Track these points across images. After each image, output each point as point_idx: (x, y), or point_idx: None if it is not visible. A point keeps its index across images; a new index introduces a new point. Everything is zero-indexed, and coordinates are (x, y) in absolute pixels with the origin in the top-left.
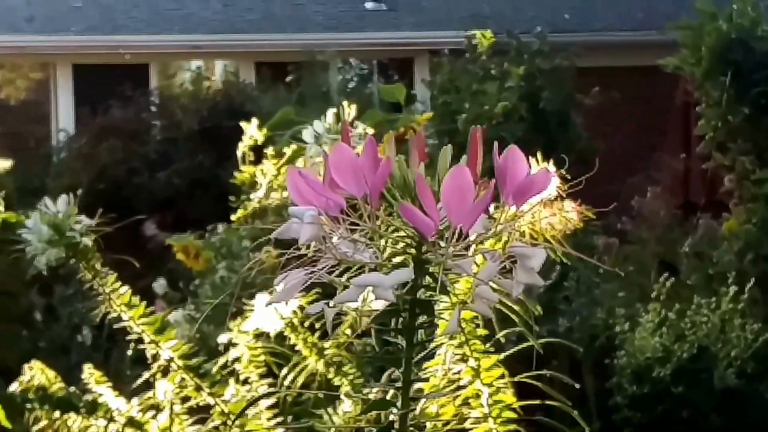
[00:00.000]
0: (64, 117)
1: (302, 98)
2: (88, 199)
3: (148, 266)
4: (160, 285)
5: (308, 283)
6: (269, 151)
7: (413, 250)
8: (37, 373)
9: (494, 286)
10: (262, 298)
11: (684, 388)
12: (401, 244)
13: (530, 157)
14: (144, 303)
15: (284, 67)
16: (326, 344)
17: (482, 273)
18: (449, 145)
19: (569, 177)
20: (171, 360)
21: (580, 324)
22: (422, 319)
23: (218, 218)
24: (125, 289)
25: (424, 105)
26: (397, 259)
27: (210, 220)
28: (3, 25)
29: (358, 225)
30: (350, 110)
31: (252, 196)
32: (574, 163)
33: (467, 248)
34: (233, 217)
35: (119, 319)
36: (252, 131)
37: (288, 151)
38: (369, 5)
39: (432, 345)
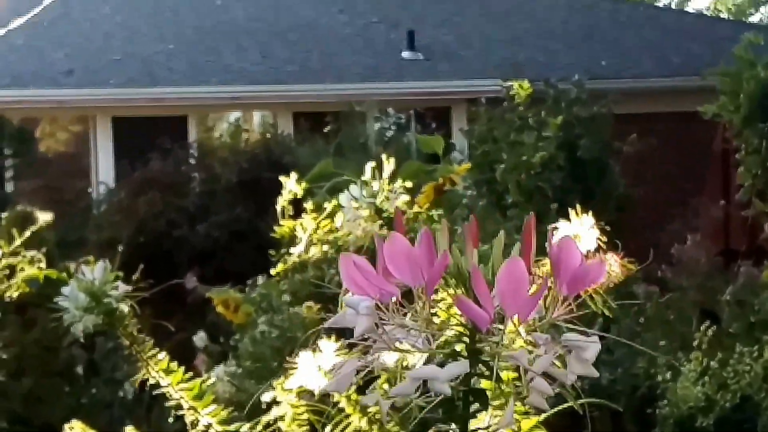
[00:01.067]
0: (103, 169)
1: (340, 149)
2: (128, 252)
3: (188, 318)
4: (200, 338)
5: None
6: (309, 205)
7: (467, 339)
8: None
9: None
10: (305, 355)
11: None
12: (454, 332)
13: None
14: (182, 369)
15: (322, 117)
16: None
17: (537, 365)
18: (502, 231)
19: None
20: (210, 426)
21: (622, 374)
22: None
23: (258, 270)
24: (163, 355)
25: (462, 154)
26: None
27: (249, 272)
28: (43, 79)
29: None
30: (389, 164)
31: (292, 250)
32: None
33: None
34: (273, 272)
35: (157, 385)
36: (291, 185)
37: (328, 206)
38: (406, 55)
39: None
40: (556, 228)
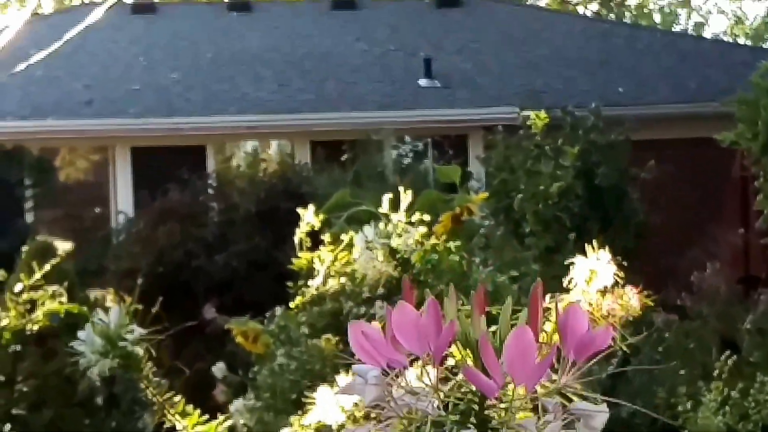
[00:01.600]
0: (122, 198)
1: (358, 177)
2: (148, 282)
3: (207, 348)
4: (219, 369)
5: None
6: (326, 237)
7: (476, 406)
8: None
9: None
10: (323, 390)
11: None
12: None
13: (587, 237)
14: (197, 411)
15: (339, 145)
16: None
17: None
18: (509, 298)
19: (628, 251)
20: None
21: (643, 405)
22: None
23: (276, 300)
24: (179, 398)
25: (480, 182)
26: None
27: (268, 302)
28: (62, 109)
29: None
30: (406, 196)
31: (309, 282)
32: (631, 237)
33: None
34: (291, 305)
35: (174, 428)
36: (308, 217)
37: (345, 237)
38: (423, 82)
39: None
40: (572, 263)
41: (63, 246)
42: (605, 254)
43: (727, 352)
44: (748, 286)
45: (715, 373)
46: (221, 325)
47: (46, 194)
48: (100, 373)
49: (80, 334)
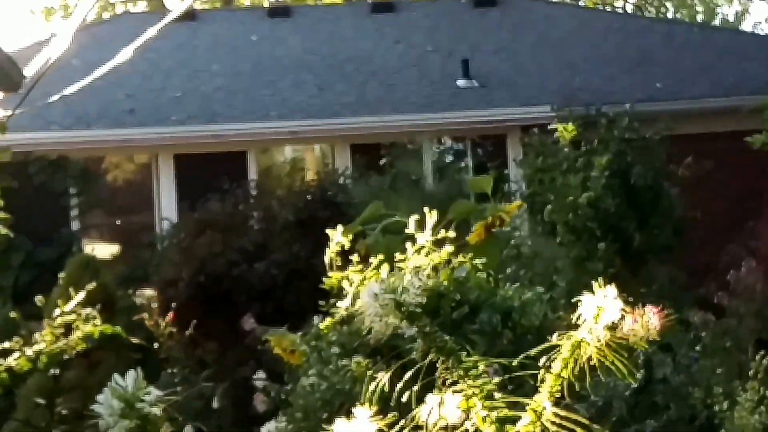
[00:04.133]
0: (166, 205)
1: (395, 183)
2: (190, 291)
3: (249, 354)
4: (259, 379)
5: None
6: (354, 258)
7: None
8: None
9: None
10: (341, 423)
11: None
12: None
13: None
14: None
15: (379, 149)
16: None
17: None
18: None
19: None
20: None
21: (680, 403)
22: None
23: (316, 308)
24: None
25: (518, 184)
26: None
27: (308, 310)
28: (106, 119)
29: None
30: (431, 217)
31: (339, 304)
32: (670, 235)
33: None
34: (321, 326)
35: None
36: (338, 237)
37: (373, 260)
38: (461, 83)
39: None
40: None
41: (108, 252)
42: (612, 290)
43: (762, 353)
44: None
45: (751, 372)
46: (260, 335)
47: (91, 203)
48: None
49: (99, 398)
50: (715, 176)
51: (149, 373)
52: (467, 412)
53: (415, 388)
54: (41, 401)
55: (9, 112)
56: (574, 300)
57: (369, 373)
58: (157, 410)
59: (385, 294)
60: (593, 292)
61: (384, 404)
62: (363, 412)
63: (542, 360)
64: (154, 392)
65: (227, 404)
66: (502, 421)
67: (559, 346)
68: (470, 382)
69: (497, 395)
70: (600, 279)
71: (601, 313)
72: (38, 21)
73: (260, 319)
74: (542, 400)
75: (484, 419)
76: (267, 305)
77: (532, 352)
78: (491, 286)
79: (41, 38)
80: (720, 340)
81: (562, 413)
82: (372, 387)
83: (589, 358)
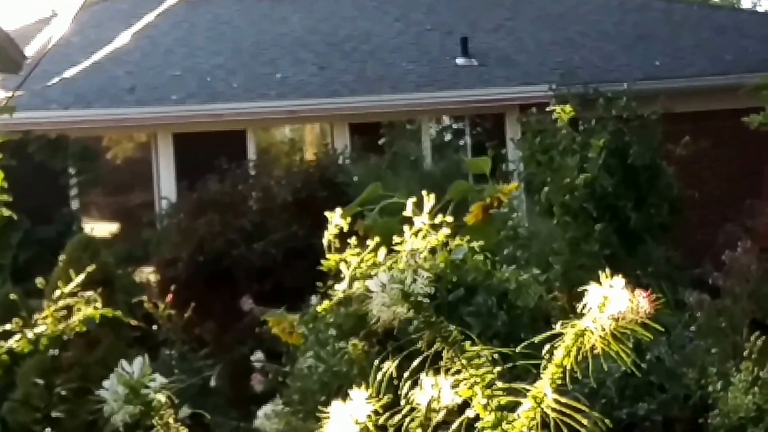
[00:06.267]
0: (165, 185)
1: (394, 163)
2: (190, 271)
3: (248, 333)
4: (257, 358)
5: None
6: (352, 241)
7: None
8: None
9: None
10: (337, 405)
11: None
12: None
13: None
14: None
15: (378, 128)
16: None
17: None
18: None
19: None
20: None
21: (674, 383)
22: None
23: (314, 286)
24: None
25: (516, 164)
26: None
27: (307, 288)
28: (105, 97)
29: None
30: (429, 200)
31: (336, 286)
32: (666, 213)
33: None
34: (318, 308)
35: None
36: (336, 220)
37: (371, 244)
38: (460, 61)
39: None
40: (575, 283)
41: (107, 230)
42: (619, 280)
43: (757, 333)
44: None
45: (745, 353)
46: (258, 315)
47: (91, 181)
48: (123, 419)
49: (104, 383)
50: (712, 155)
51: (148, 352)
52: (469, 399)
53: (423, 376)
54: (40, 381)
55: (10, 94)
56: (569, 281)
57: (367, 360)
58: (161, 396)
59: (392, 284)
60: (589, 274)
61: (380, 387)
62: (359, 394)
63: (543, 347)
64: (159, 379)
65: (225, 383)
66: (501, 409)
67: (561, 334)
68: (472, 371)
69: (498, 384)
70: (596, 260)
71: (607, 303)
72: None
73: (259, 298)
74: (543, 387)
75: (484, 407)
76: (266, 284)
77: (536, 339)
78: (488, 268)
79: (42, 16)
80: (715, 320)
81: (563, 400)
82: (379, 376)
83: (593, 347)
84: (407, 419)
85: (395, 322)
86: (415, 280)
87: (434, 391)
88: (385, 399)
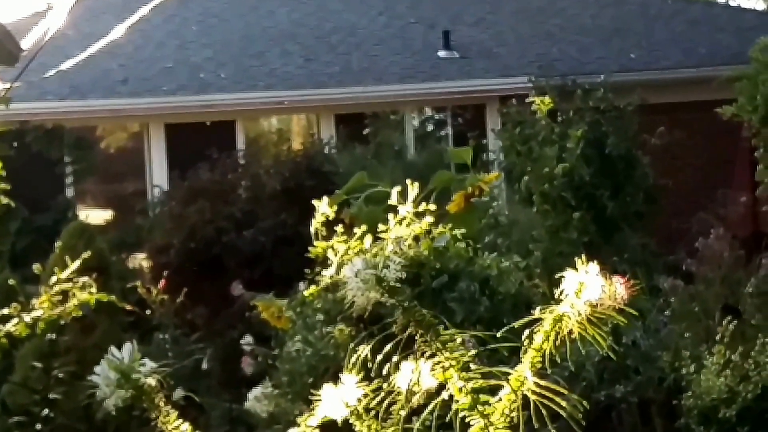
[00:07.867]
0: (157, 173)
1: (379, 152)
2: (181, 258)
3: (239, 318)
4: (247, 342)
5: None
6: (339, 228)
7: None
8: None
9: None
10: (328, 388)
11: (750, 427)
12: None
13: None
14: None
15: (363, 119)
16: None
17: None
18: None
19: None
20: None
21: (649, 366)
22: None
23: (302, 273)
24: (186, 427)
25: (496, 154)
26: None
27: (295, 275)
28: (99, 88)
29: None
30: (413, 189)
31: (324, 272)
32: (641, 202)
33: None
34: (306, 293)
35: None
36: (323, 208)
37: (358, 231)
38: (442, 54)
39: None
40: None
41: (102, 218)
42: (594, 266)
43: (728, 317)
44: (753, 246)
45: (718, 336)
46: (248, 300)
47: (86, 170)
48: (115, 403)
49: (96, 369)
50: (687, 145)
51: (142, 336)
52: (444, 383)
53: (395, 359)
54: (38, 364)
55: (7, 85)
56: (549, 268)
57: (351, 344)
58: (152, 380)
59: (366, 270)
60: (568, 261)
61: (365, 371)
62: (349, 378)
63: (522, 332)
64: (149, 364)
65: (216, 366)
66: (477, 392)
67: (540, 319)
68: (447, 354)
69: (473, 366)
70: (574, 247)
71: (583, 289)
72: None
73: (249, 285)
74: (523, 371)
75: (460, 390)
76: (255, 271)
77: (516, 324)
78: (470, 255)
79: (38, 9)
80: (688, 305)
81: (543, 383)
82: (354, 359)
83: (570, 332)
84: (386, 402)
85: (369, 307)
86: (387, 266)
87: (413, 375)
88: (375, 384)
